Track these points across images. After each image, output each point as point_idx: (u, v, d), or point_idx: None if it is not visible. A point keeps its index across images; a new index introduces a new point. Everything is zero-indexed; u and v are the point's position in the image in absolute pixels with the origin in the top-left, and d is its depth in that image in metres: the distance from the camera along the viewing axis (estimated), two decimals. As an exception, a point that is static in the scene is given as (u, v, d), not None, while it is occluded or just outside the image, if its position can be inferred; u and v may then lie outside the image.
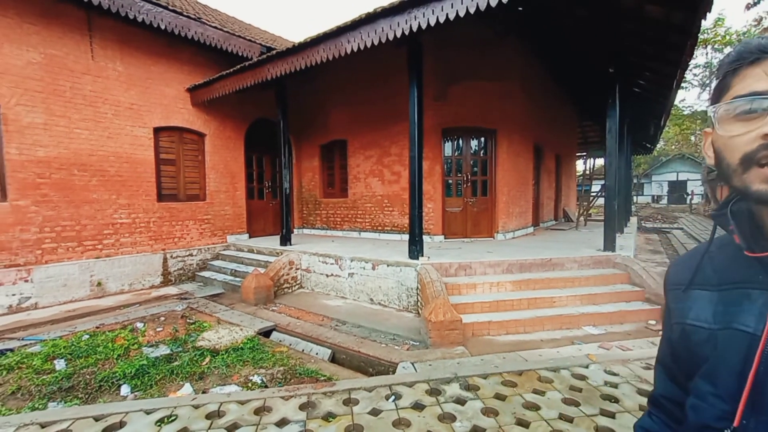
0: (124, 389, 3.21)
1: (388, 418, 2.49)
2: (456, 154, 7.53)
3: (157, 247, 6.92)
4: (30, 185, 5.41)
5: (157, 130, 6.94)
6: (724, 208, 0.61)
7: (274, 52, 5.92)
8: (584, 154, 19.06)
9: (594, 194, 12.15)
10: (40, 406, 2.96)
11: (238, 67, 6.42)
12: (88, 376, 3.39)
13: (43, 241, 5.54)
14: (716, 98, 0.56)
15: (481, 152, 7.57)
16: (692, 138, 25.83)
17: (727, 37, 19.38)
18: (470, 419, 2.46)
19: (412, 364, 3.42)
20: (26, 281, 5.38)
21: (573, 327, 4.35)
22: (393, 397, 2.74)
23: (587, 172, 20.73)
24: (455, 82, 7.08)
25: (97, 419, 2.46)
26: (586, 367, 3.17)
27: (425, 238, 6.63)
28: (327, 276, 6.09)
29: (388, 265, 5.31)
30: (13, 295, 5.28)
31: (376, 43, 4.48)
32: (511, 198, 7.61)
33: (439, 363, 3.43)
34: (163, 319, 5.06)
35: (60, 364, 3.60)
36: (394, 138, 7.59)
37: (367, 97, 7.98)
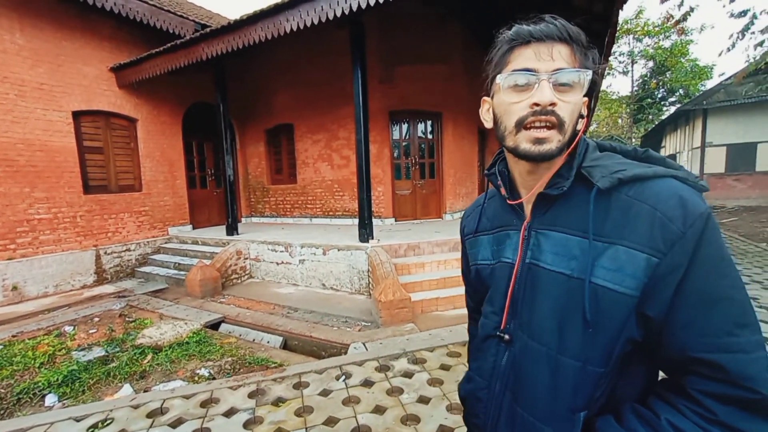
0: (50, 399, 2.94)
1: (338, 397, 2.55)
2: (404, 137, 7.60)
3: (87, 243, 6.31)
4: None
5: (78, 114, 6.22)
6: (493, 168, 0.77)
7: (208, 29, 5.51)
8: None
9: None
10: (-53, 426, 2.64)
11: (169, 45, 5.89)
12: (2, 390, 3.07)
13: (-61, 243, 4.82)
14: (498, 71, 0.64)
15: (429, 135, 7.71)
16: (619, 121, 28.30)
17: (646, 28, 21.16)
18: (417, 390, 2.59)
19: (363, 344, 3.50)
20: None
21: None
22: (343, 377, 2.80)
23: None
24: (401, 65, 7.07)
25: (17, 432, 2.26)
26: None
27: (376, 221, 6.69)
28: (277, 264, 5.95)
29: (339, 250, 5.31)
30: None
31: (315, 22, 4.33)
32: (457, 179, 7.87)
33: (389, 341, 3.54)
34: (97, 320, 4.68)
35: (-31, 379, 3.22)
36: (342, 121, 7.47)
37: (313, 79, 7.73)
